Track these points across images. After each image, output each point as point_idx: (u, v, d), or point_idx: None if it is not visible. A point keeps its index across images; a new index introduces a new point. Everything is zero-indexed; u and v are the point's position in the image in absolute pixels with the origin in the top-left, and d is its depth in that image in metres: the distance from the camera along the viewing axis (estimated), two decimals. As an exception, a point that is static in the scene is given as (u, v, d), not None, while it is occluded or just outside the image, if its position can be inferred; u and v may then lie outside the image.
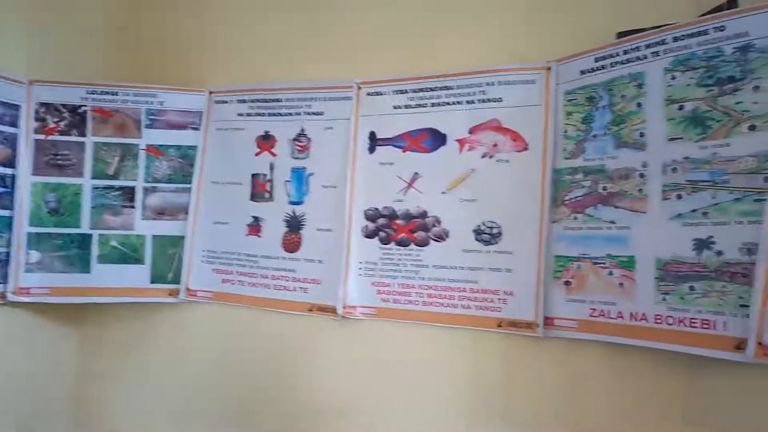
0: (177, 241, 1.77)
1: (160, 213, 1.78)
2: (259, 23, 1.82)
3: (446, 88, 1.54)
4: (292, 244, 1.68)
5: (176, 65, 1.88)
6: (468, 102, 1.51)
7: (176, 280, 1.76)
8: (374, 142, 1.60)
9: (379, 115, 1.61)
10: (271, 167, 1.72)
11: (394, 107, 1.59)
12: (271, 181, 1.71)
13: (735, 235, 1.09)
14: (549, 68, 1.42)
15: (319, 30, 1.73)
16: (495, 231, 1.45)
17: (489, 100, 1.49)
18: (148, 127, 1.78)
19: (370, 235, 1.59)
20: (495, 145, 1.47)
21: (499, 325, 1.43)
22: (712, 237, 1.13)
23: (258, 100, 1.76)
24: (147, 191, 1.78)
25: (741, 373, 1.11)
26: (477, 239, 1.47)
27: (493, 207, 1.46)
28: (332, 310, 1.59)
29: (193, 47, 1.88)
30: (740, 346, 1.06)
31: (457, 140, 1.51)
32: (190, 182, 1.78)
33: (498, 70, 1.48)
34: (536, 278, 1.39)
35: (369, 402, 1.57)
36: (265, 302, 1.69)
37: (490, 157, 1.47)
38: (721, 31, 1.13)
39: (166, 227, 1.78)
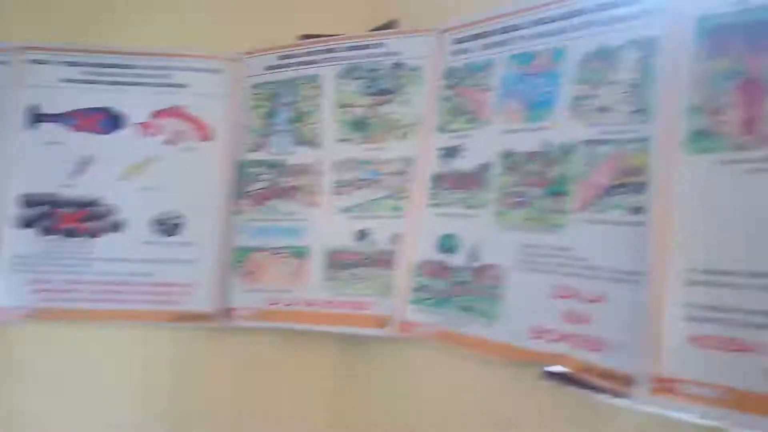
0: None
1: None
2: None
3: (128, 66, 1.42)
4: None
5: None
6: (152, 84, 1.42)
7: None
8: (37, 117, 1.39)
9: (46, 87, 1.40)
10: None
11: (64, 80, 1.41)
12: None
13: (386, 227, 1.25)
14: (237, 60, 1.43)
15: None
16: (176, 222, 1.40)
17: (174, 85, 1.43)
18: None
19: (26, 224, 1.37)
20: (179, 133, 1.42)
21: (179, 319, 1.38)
22: (369, 229, 1.27)
23: None
24: None
25: (386, 348, 1.27)
26: (157, 230, 1.39)
27: (176, 197, 1.40)
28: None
29: None
30: (386, 323, 1.21)
31: (138, 124, 1.41)
32: None
33: (186, 55, 1.43)
34: (216, 269, 1.38)
35: (22, 417, 1.36)
36: None
37: (174, 144, 1.41)
38: (381, 47, 1.28)
39: None
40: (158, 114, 1.42)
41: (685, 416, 0.79)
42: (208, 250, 1.39)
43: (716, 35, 0.81)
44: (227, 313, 1.38)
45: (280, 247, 1.36)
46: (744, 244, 0.76)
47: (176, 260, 1.39)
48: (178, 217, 1.40)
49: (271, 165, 1.38)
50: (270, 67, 1.40)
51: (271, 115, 1.39)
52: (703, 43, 0.82)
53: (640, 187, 0.88)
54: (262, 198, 1.39)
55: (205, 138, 1.41)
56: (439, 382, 1.18)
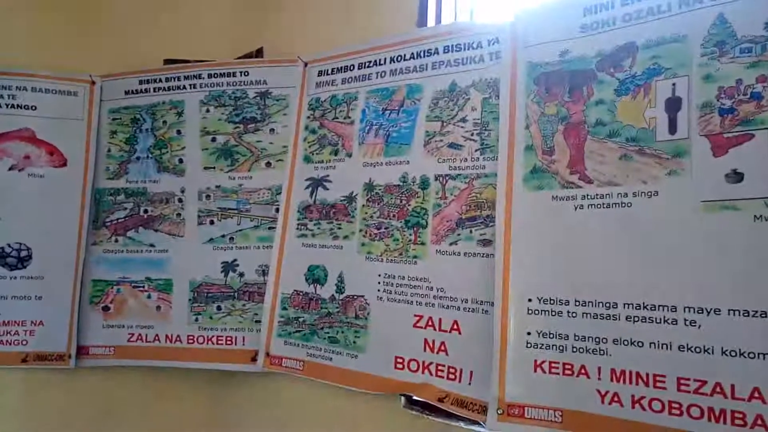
0: None
1: None
2: None
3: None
4: None
5: None
6: (-5, 105, 1.30)
7: None
8: None
9: None
10: None
11: None
12: None
13: (253, 259, 1.22)
14: (93, 83, 1.35)
15: None
16: (23, 254, 1.28)
17: (20, 107, 1.31)
18: None
19: None
20: (27, 158, 1.30)
21: (24, 360, 1.26)
22: (236, 260, 1.23)
23: None
24: None
25: (256, 382, 1.24)
26: (0, 263, 1.27)
27: (22, 227, 1.29)
28: None
29: None
30: (255, 357, 1.18)
31: (-23, 148, 1.29)
32: None
33: (35, 75, 1.33)
34: (71, 305, 1.28)
35: None
36: None
37: (20, 170, 1.30)
38: (246, 75, 1.26)
39: None
40: (2, 137, 1.30)
41: (529, 439, 0.84)
42: (61, 284, 1.28)
43: (544, 82, 0.88)
44: (83, 351, 1.28)
45: (141, 280, 1.29)
46: (573, 274, 0.83)
47: (23, 296, 1.28)
48: (24, 249, 1.28)
49: (132, 193, 1.31)
50: (130, 91, 1.34)
51: (130, 141, 1.33)
52: (534, 88, 0.89)
53: (488, 221, 0.93)
54: (122, 228, 1.31)
55: (58, 164, 1.31)
56: (307, 415, 1.17)
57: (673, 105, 0.76)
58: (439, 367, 0.97)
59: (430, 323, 0.99)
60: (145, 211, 1.30)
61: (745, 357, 0.68)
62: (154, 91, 1.32)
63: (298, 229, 1.18)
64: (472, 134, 0.97)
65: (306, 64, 1.23)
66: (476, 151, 0.96)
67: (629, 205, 0.78)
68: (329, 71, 1.19)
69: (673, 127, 0.76)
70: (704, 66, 0.75)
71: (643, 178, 0.78)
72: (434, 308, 0.98)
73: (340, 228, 1.12)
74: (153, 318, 1.27)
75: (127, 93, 1.34)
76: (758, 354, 0.67)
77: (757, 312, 0.68)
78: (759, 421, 0.66)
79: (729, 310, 0.70)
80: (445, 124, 1.00)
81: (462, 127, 0.98)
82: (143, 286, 1.29)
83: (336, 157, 1.15)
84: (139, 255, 1.30)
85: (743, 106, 0.71)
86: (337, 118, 1.16)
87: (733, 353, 0.69)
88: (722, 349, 0.70)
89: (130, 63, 1.36)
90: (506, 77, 0.92)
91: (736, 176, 0.71)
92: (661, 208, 0.76)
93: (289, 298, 1.17)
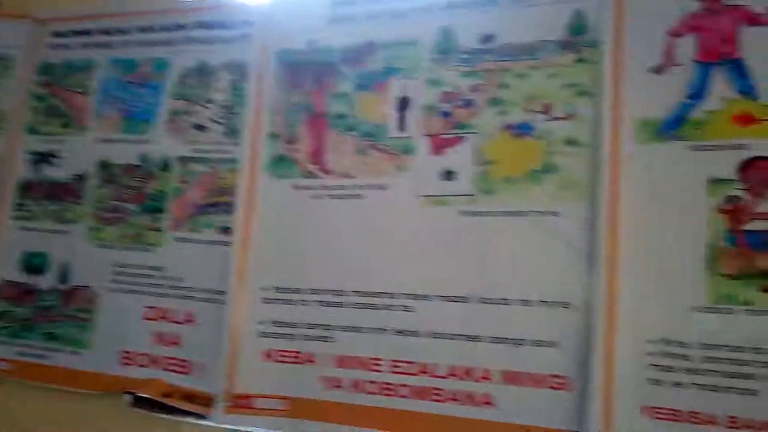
0: None
1: None
2: None
3: None
4: None
5: None
6: None
7: None
8: None
9: None
10: None
11: None
12: None
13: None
14: None
15: None
16: None
17: None
18: None
19: None
20: None
21: None
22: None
23: None
24: None
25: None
26: None
27: None
28: None
29: None
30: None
31: None
32: None
33: None
34: None
35: None
36: None
37: None
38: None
39: None
40: None
41: (255, 430, 0.82)
42: None
43: (291, 70, 0.88)
44: None
45: None
46: (308, 263, 0.83)
47: None
48: None
49: None
50: None
51: None
52: (282, 76, 0.89)
53: (229, 208, 0.90)
54: None
55: None
56: (17, 423, 1.01)
57: (403, 104, 0.81)
58: (170, 361, 0.90)
59: (162, 315, 0.92)
60: None
61: (445, 338, 0.74)
62: None
63: (16, 210, 1.02)
64: (218, 117, 0.93)
65: (37, 22, 1.07)
66: (222, 134, 0.92)
67: (362, 197, 0.81)
68: (66, 33, 1.05)
69: (402, 125, 0.81)
70: (430, 71, 0.81)
71: (374, 172, 0.81)
72: (169, 299, 0.92)
73: (67, 210, 0.99)
74: None
75: None
76: (454, 335, 0.74)
77: (457, 297, 0.75)
78: (454, 396, 0.73)
79: (437, 296, 0.75)
80: (191, 103, 0.95)
81: (208, 108, 0.93)
82: None
83: (67, 130, 1.02)
84: None
85: (458, 111, 0.78)
86: (71, 86, 1.03)
87: (437, 335, 0.75)
88: (429, 332, 0.75)
89: None
90: (255, 62, 0.90)
91: (449, 174, 0.77)
92: (389, 201, 0.80)
93: (0, 289, 1.00)
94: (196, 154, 0.93)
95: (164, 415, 0.93)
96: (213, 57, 0.95)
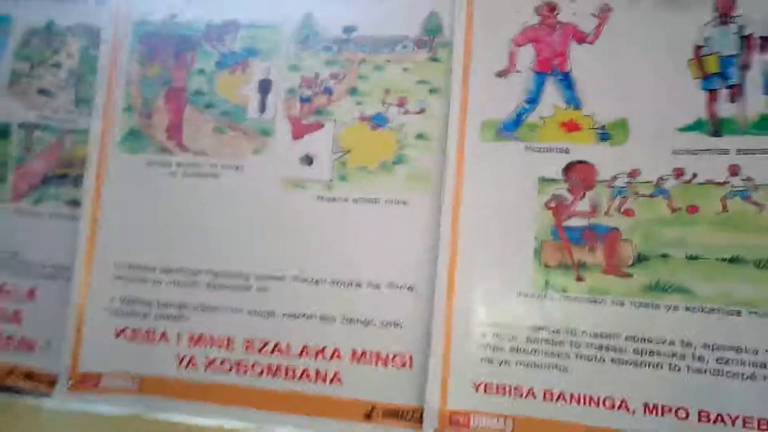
0: None
1: None
2: None
3: None
4: None
5: None
6: None
7: None
8: None
9: None
10: None
11: None
12: None
13: None
14: None
15: None
16: None
17: None
18: None
19: None
20: None
21: None
22: None
23: None
24: None
25: None
26: None
27: None
28: None
29: None
30: None
31: None
32: None
33: None
34: None
35: None
36: None
37: None
38: None
39: None
40: None
41: (101, 409, 0.81)
42: None
43: (149, 41, 0.85)
44: None
45: None
46: (160, 241, 0.82)
47: None
48: None
49: None
50: None
51: None
52: (139, 46, 0.85)
53: (78, 180, 0.85)
54: None
55: None
56: None
57: (265, 86, 0.81)
58: (10, 340, 0.86)
59: (2, 291, 0.86)
60: None
61: (299, 318, 0.77)
62: None
63: None
64: (66, 83, 0.87)
65: None
66: (71, 103, 0.87)
67: (218, 176, 0.81)
68: None
69: (262, 107, 0.81)
70: (292, 55, 0.81)
71: (231, 152, 0.81)
72: (8, 274, 0.86)
73: None
74: None
75: None
76: (308, 315, 0.77)
77: (312, 279, 0.77)
78: (305, 374, 0.76)
79: (292, 278, 0.78)
80: (35, 66, 0.88)
81: (55, 75, 0.87)
82: None
83: None
84: None
85: (318, 97, 0.80)
86: None
87: (290, 316, 0.77)
88: (283, 312, 0.78)
89: None
90: (110, 29, 0.85)
91: (308, 159, 0.79)
92: (247, 182, 0.81)
93: None
94: (42, 121, 0.87)
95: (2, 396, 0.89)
96: (63, 19, 0.88)
